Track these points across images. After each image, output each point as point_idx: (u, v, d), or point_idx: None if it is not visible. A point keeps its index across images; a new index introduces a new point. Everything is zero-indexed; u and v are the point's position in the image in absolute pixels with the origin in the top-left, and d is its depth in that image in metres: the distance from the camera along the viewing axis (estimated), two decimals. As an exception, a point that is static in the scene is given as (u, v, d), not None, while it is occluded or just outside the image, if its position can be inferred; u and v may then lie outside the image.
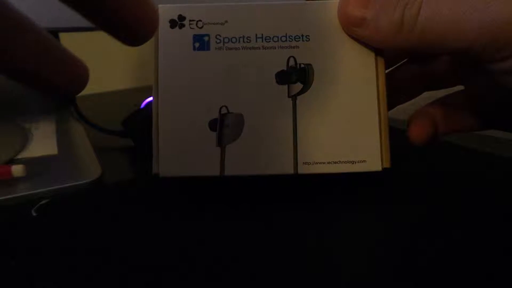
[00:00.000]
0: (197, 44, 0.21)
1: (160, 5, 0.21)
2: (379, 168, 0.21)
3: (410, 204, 0.22)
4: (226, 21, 0.21)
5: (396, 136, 0.21)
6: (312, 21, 0.21)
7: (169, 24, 0.21)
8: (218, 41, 0.21)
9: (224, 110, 0.21)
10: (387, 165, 0.21)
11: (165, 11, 0.21)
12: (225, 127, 0.21)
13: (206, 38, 0.21)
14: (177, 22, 0.21)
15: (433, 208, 0.22)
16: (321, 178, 0.22)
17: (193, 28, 0.21)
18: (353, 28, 0.20)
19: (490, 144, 0.23)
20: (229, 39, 0.21)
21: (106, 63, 0.67)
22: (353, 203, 0.23)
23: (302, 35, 0.21)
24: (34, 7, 0.28)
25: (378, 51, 0.21)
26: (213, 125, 0.21)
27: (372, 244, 0.19)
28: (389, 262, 0.18)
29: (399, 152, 0.21)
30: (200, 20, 0.21)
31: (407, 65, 0.24)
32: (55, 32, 0.42)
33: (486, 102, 0.23)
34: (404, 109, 0.26)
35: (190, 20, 0.21)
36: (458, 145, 0.30)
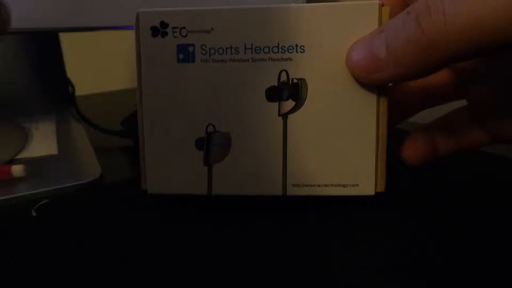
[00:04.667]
0: (181, 56, 0.20)
1: (140, 10, 0.19)
2: (372, 193, 0.20)
3: (409, 204, 0.22)
4: (212, 29, 0.19)
5: (396, 136, 0.21)
6: (308, 28, 0.19)
7: (151, 32, 0.20)
8: (204, 52, 0.19)
9: (211, 129, 0.20)
10: (381, 189, 0.20)
11: (146, 17, 0.19)
12: (212, 146, 0.20)
13: (190, 49, 0.20)
14: (159, 30, 0.20)
15: (433, 208, 0.22)
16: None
17: (176, 37, 0.19)
18: (370, 77, 0.17)
19: (490, 144, 0.23)
20: (215, 50, 0.19)
21: (106, 63, 0.67)
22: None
23: (297, 46, 0.19)
24: (34, 7, 0.28)
25: None
26: (200, 144, 0.20)
27: (372, 244, 0.19)
28: (389, 262, 0.18)
29: (397, 151, 0.21)
30: (184, 27, 0.19)
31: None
32: (55, 32, 0.42)
33: (492, 114, 0.21)
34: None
35: (173, 27, 0.19)
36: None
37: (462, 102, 0.23)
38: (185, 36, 0.19)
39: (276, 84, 0.19)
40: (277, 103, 0.20)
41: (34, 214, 0.22)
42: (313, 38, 0.19)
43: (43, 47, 0.43)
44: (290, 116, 0.20)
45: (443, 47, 0.15)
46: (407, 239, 0.19)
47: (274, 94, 0.19)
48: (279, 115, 0.20)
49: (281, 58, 0.19)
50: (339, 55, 0.19)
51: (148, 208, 0.22)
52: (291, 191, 0.20)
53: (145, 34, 0.20)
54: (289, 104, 0.20)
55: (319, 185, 0.20)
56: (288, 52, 0.19)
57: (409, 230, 0.20)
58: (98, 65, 0.64)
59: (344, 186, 0.20)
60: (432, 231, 0.20)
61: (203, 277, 0.17)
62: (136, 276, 0.17)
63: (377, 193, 0.20)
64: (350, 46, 0.19)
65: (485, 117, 0.21)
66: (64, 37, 0.44)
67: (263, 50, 0.19)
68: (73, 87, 0.42)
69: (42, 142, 0.33)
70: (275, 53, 0.19)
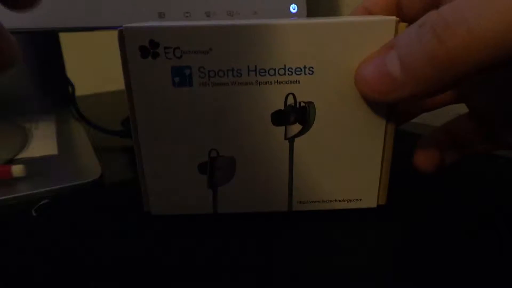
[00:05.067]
0: (177, 79, 0.17)
1: (124, 26, 0.17)
2: (374, 205, 0.21)
3: (409, 204, 0.22)
4: (210, 49, 0.17)
5: (395, 136, 0.21)
6: (318, 46, 0.17)
7: (139, 53, 0.17)
8: (202, 74, 0.17)
9: (214, 153, 0.19)
10: (382, 202, 0.21)
11: (132, 35, 0.17)
12: (216, 170, 0.19)
13: (187, 72, 0.17)
14: (150, 50, 0.17)
15: (433, 208, 0.22)
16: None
17: (170, 58, 0.17)
18: (383, 98, 0.16)
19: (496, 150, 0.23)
20: (215, 72, 0.17)
21: (106, 63, 0.67)
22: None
23: (305, 67, 0.17)
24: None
25: None
26: (203, 168, 0.19)
27: (371, 243, 0.19)
28: (389, 262, 0.18)
29: (398, 152, 0.21)
30: (178, 48, 0.17)
31: None
32: (55, 32, 0.42)
33: (494, 121, 0.21)
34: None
35: (165, 47, 0.17)
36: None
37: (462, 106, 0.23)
38: (180, 57, 0.17)
39: (282, 107, 0.18)
40: (283, 127, 0.18)
41: (34, 214, 0.22)
42: (322, 57, 0.17)
43: (43, 47, 0.43)
44: (296, 140, 0.19)
45: (467, 59, 0.13)
46: (407, 241, 0.19)
47: (280, 118, 0.18)
48: (285, 139, 0.19)
49: (288, 81, 0.18)
50: (349, 76, 0.17)
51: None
52: (296, 207, 0.20)
53: (133, 55, 0.17)
54: (296, 127, 0.18)
55: (323, 201, 0.20)
56: (296, 74, 0.17)
57: (409, 232, 0.20)
58: (98, 65, 0.64)
59: (348, 201, 0.20)
60: (432, 233, 0.20)
61: (203, 277, 0.17)
62: (136, 276, 0.17)
63: (378, 206, 0.21)
64: (358, 66, 0.17)
65: (489, 124, 0.21)
66: (64, 37, 0.44)
67: (268, 73, 0.17)
68: (73, 87, 0.42)
69: (42, 142, 0.33)
70: (281, 75, 0.17)
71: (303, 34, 0.17)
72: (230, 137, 0.19)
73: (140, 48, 0.17)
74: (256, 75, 0.17)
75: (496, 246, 0.18)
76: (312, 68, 0.17)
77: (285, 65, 0.17)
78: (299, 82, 0.18)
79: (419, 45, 0.14)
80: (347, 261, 0.18)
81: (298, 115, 0.18)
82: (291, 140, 0.19)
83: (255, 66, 0.17)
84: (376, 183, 0.20)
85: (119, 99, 0.53)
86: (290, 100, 0.18)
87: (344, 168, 0.20)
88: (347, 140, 0.19)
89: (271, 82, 0.18)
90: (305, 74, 0.17)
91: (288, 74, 0.17)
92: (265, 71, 0.17)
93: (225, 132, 0.18)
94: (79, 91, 0.43)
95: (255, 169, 0.19)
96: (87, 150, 0.31)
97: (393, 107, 0.18)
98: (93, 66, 0.62)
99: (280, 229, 0.20)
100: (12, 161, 0.29)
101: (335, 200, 0.20)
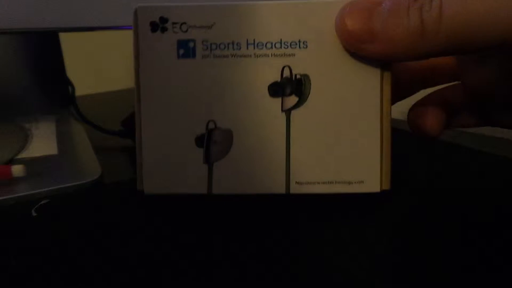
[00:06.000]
0: (181, 51, 0.19)
1: (138, 5, 0.19)
2: (377, 190, 0.20)
3: (409, 204, 0.22)
4: (214, 24, 0.19)
5: (395, 136, 0.21)
6: (311, 24, 0.19)
7: (150, 27, 0.19)
8: (205, 47, 0.19)
9: (211, 125, 0.19)
10: (386, 187, 0.20)
11: (145, 12, 0.19)
12: (212, 143, 0.19)
13: (191, 44, 0.19)
14: (159, 25, 0.19)
15: (433, 208, 0.22)
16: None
17: (176, 32, 0.19)
18: (360, 46, 0.17)
19: (490, 144, 0.23)
20: (217, 45, 0.19)
21: (106, 63, 0.67)
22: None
23: (299, 41, 0.19)
24: (34, 7, 0.28)
25: (385, 63, 0.19)
26: (200, 141, 0.20)
27: (372, 243, 0.19)
28: (389, 261, 0.18)
29: (398, 152, 0.21)
30: (185, 23, 0.19)
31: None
32: (55, 32, 0.42)
33: (485, 97, 0.22)
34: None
35: (173, 23, 0.19)
36: (458, 145, 0.30)
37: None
38: (186, 31, 0.19)
39: (279, 79, 0.19)
40: (279, 99, 0.19)
41: (34, 214, 0.22)
42: (316, 33, 0.19)
43: (43, 47, 0.43)
44: (293, 112, 0.19)
45: (435, 41, 0.16)
46: (406, 240, 0.19)
47: (277, 89, 0.19)
48: (282, 111, 0.19)
49: (284, 54, 0.19)
50: (341, 50, 0.19)
51: (148, 208, 0.22)
52: (295, 189, 0.20)
53: (144, 29, 0.19)
54: (292, 99, 0.19)
55: (323, 182, 0.20)
56: (291, 48, 0.19)
57: (409, 230, 0.20)
58: (98, 65, 0.64)
59: (349, 183, 0.20)
60: (432, 232, 0.20)
61: (202, 277, 0.17)
62: (136, 276, 0.17)
63: (382, 191, 0.20)
64: (342, 9, 0.18)
65: (480, 100, 0.22)
66: (64, 37, 0.44)
67: (265, 46, 0.19)
68: (73, 87, 0.42)
69: (42, 142, 0.33)
70: (277, 48, 0.19)
71: (297, 12, 0.19)
72: (228, 109, 0.19)
73: (150, 23, 0.19)
74: (254, 48, 0.19)
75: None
76: (306, 42, 0.19)
77: (281, 39, 0.19)
78: (294, 55, 0.19)
79: (406, 18, 0.16)
80: (351, 264, 0.18)
81: (294, 87, 0.19)
82: (287, 112, 0.19)
83: (254, 39, 0.19)
84: (377, 164, 0.20)
85: (119, 99, 0.53)
86: (287, 73, 0.19)
87: (342, 145, 0.19)
88: (343, 115, 0.19)
89: (268, 54, 0.19)
90: (299, 48, 0.19)
91: (284, 47, 0.19)
92: (263, 44, 0.19)
93: (224, 103, 0.19)
94: (79, 91, 0.43)
95: (251, 143, 0.20)
96: (87, 150, 0.31)
97: (386, 75, 0.19)
98: (93, 66, 0.62)
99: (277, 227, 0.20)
100: (12, 161, 0.29)
101: (335, 181, 0.20)
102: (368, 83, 0.19)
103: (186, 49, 0.19)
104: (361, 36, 0.17)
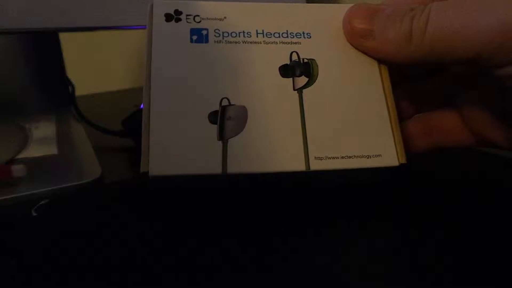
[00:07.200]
0: (194, 37, 0.20)
1: (155, 1, 0.20)
2: (396, 163, 0.20)
3: (409, 204, 0.22)
4: (225, 17, 0.21)
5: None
6: (313, 22, 0.21)
7: (164, 18, 0.20)
8: (217, 35, 0.20)
9: (225, 102, 0.19)
10: (403, 160, 0.20)
11: (160, 6, 0.20)
12: (226, 119, 0.19)
13: (204, 32, 0.20)
14: (173, 16, 0.20)
15: (433, 208, 0.22)
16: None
17: (190, 23, 0.20)
18: (359, 40, 0.20)
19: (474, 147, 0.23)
20: (228, 33, 0.21)
21: (106, 63, 0.67)
22: (353, 204, 0.23)
23: (303, 33, 0.21)
24: (34, 7, 0.28)
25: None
26: (213, 117, 0.19)
27: (371, 242, 0.19)
28: (388, 261, 0.18)
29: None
30: (198, 15, 0.21)
31: (402, 85, 0.24)
32: (55, 32, 0.42)
33: (478, 118, 0.22)
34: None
35: (187, 15, 0.20)
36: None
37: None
38: (199, 22, 0.20)
39: (288, 62, 0.21)
40: (291, 79, 0.20)
41: (34, 214, 0.22)
42: (318, 28, 0.21)
43: (43, 47, 0.43)
44: (304, 91, 0.20)
45: (420, 47, 0.18)
46: (406, 240, 0.19)
47: (288, 70, 0.20)
48: (294, 90, 0.20)
49: (291, 42, 0.21)
50: (341, 43, 0.21)
51: (148, 208, 0.22)
52: (314, 165, 0.19)
53: (158, 20, 0.20)
54: (303, 79, 0.20)
55: (342, 157, 0.19)
56: (297, 37, 0.21)
57: (408, 230, 0.20)
58: (98, 65, 0.64)
59: (367, 157, 0.20)
60: (430, 232, 0.20)
61: (202, 279, 0.17)
62: (136, 276, 0.17)
63: (401, 165, 0.20)
64: (351, 8, 0.21)
65: (471, 120, 0.22)
66: (64, 37, 0.44)
67: (273, 35, 0.21)
68: (73, 87, 0.42)
69: (42, 142, 0.33)
70: (284, 37, 0.21)
71: (299, 12, 0.22)
72: (241, 86, 0.20)
73: (165, 15, 0.20)
74: (263, 36, 0.21)
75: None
76: (310, 33, 0.21)
77: (287, 30, 0.21)
78: (300, 44, 0.21)
79: (400, 23, 0.18)
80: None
81: (303, 68, 0.21)
82: (299, 91, 0.20)
83: (263, 30, 0.21)
84: (390, 139, 0.20)
85: (119, 99, 0.53)
86: (295, 58, 0.21)
87: (354, 121, 0.20)
88: (351, 94, 0.20)
89: (276, 42, 0.21)
90: (304, 37, 0.21)
91: (290, 37, 0.21)
92: (271, 34, 0.21)
93: (237, 81, 0.20)
94: (79, 91, 0.43)
95: (266, 119, 0.19)
96: (87, 150, 0.31)
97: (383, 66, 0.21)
98: (93, 66, 0.62)
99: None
100: (12, 161, 0.29)
101: (354, 156, 0.20)
102: (367, 69, 0.21)
103: (199, 35, 0.20)
104: (363, 32, 0.20)
